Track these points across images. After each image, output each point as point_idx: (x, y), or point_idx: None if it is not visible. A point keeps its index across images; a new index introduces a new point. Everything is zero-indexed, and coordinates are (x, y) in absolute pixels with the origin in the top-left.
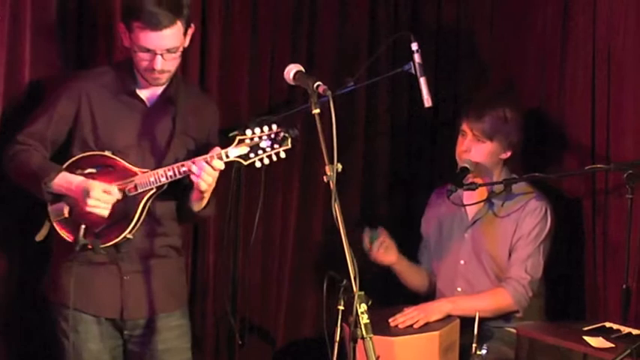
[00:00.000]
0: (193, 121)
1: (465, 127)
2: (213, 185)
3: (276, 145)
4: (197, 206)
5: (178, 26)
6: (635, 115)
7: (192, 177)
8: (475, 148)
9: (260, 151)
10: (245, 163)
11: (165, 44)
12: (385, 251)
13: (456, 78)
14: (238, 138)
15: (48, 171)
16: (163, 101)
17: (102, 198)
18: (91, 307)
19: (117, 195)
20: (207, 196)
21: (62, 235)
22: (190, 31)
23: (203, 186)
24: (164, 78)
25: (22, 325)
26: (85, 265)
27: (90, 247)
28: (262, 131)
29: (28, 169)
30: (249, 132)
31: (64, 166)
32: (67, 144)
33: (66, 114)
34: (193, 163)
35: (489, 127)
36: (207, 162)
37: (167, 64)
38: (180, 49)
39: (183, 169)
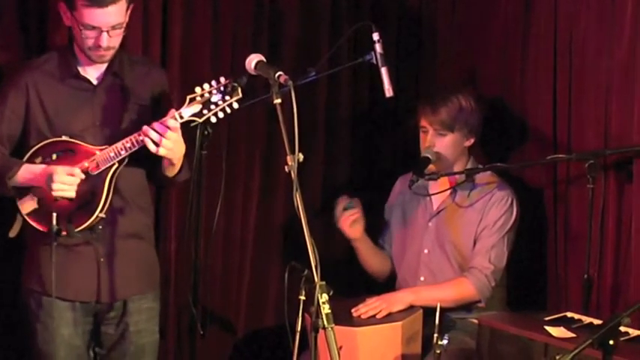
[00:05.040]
0: (142, 89)
1: (424, 122)
2: (182, 150)
3: (227, 97)
4: (170, 172)
5: (122, 2)
6: (596, 104)
7: (150, 146)
8: (438, 142)
9: (213, 106)
10: (200, 120)
11: (110, 21)
12: (353, 224)
13: (417, 66)
14: (189, 97)
15: (9, 166)
16: (110, 77)
17: (66, 181)
18: (68, 292)
19: (80, 175)
20: (177, 162)
21: (35, 226)
22: (131, 7)
23: (162, 151)
24: (109, 55)
25: None
26: (61, 250)
27: (65, 232)
28: (211, 86)
29: None
30: (198, 89)
31: (25, 158)
32: (24, 136)
33: (17, 108)
34: (148, 129)
35: (447, 117)
36: (162, 124)
37: (112, 41)
38: (124, 25)
39: (141, 137)
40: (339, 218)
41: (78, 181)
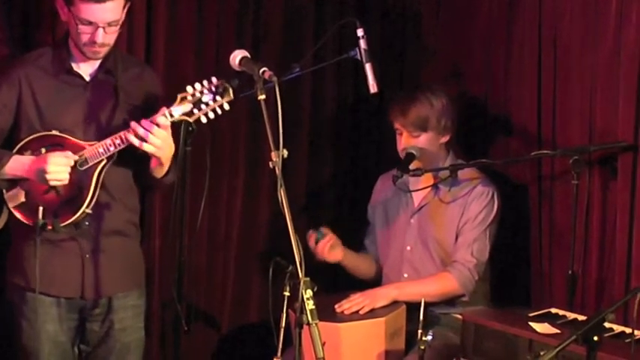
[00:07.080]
0: (134, 89)
1: (397, 125)
2: (172, 150)
3: (218, 98)
4: (158, 173)
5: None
6: (581, 100)
7: (134, 140)
8: (413, 143)
9: (203, 106)
10: (190, 119)
11: (107, 17)
12: (331, 250)
13: (402, 62)
14: (180, 96)
15: None
16: (102, 74)
17: (60, 162)
18: (52, 288)
19: (74, 157)
20: (166, 163)
21: (21, 219)
22: (128, 5)
23: (150, 148)
24: (103, 52)
25: None
26: (46, 246)
27: (50, 227)
28: (202, 86)
29: None
30: (189, 89)
31: (14, 150)
32: (14, 129)
33: (8, 102)
34: (136, 125)
35: (418, 118)
36: (150, 121)
37: (108, 38)
38: (120, 22)
39: (130, 135)
40: (315, 252)
41: (72, 163)
